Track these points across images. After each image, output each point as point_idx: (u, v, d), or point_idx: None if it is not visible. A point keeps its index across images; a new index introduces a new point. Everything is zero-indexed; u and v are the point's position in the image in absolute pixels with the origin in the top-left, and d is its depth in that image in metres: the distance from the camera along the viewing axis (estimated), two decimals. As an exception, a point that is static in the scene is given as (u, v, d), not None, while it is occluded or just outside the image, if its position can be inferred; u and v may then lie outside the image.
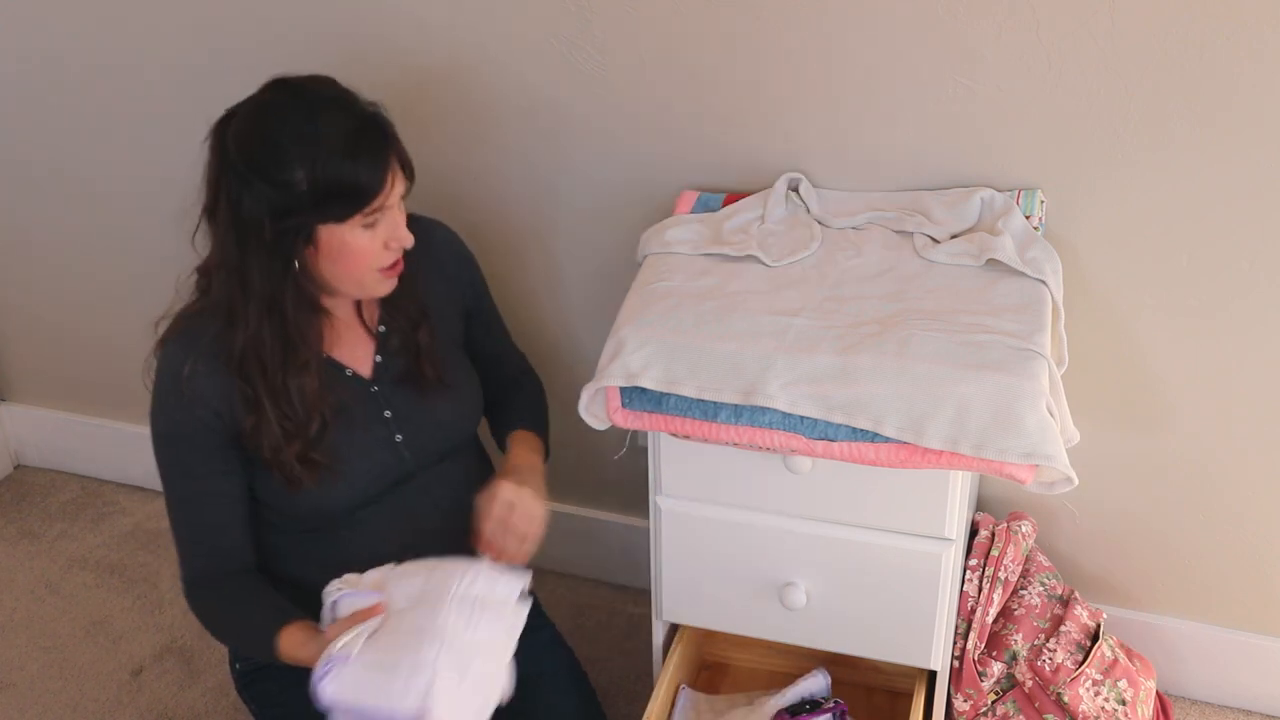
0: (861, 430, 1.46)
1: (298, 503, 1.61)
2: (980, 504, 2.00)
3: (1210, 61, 1.59)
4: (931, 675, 1.74)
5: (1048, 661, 1.74)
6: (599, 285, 2.05)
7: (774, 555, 1.65)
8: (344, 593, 1.49)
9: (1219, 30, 1.57)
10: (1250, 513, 1.90)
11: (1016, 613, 1.80)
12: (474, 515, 1.65)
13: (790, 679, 1.82)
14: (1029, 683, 1.75)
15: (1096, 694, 1.73)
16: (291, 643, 1.53)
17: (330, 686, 1.39)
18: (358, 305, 1.65)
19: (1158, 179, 1.69)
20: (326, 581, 1.62)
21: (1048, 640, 1.77)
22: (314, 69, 1.51)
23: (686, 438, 1.54)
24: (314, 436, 1.57)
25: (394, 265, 1.56)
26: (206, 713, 2.14)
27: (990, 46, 1.66)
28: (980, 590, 1.78)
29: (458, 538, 1.67)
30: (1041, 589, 1.84)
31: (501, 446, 1.79)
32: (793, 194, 1.82)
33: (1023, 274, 1.62)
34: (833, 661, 1.84)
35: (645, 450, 1.67)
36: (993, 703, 1.77)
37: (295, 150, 1.44)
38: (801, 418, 1.47)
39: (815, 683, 1.79)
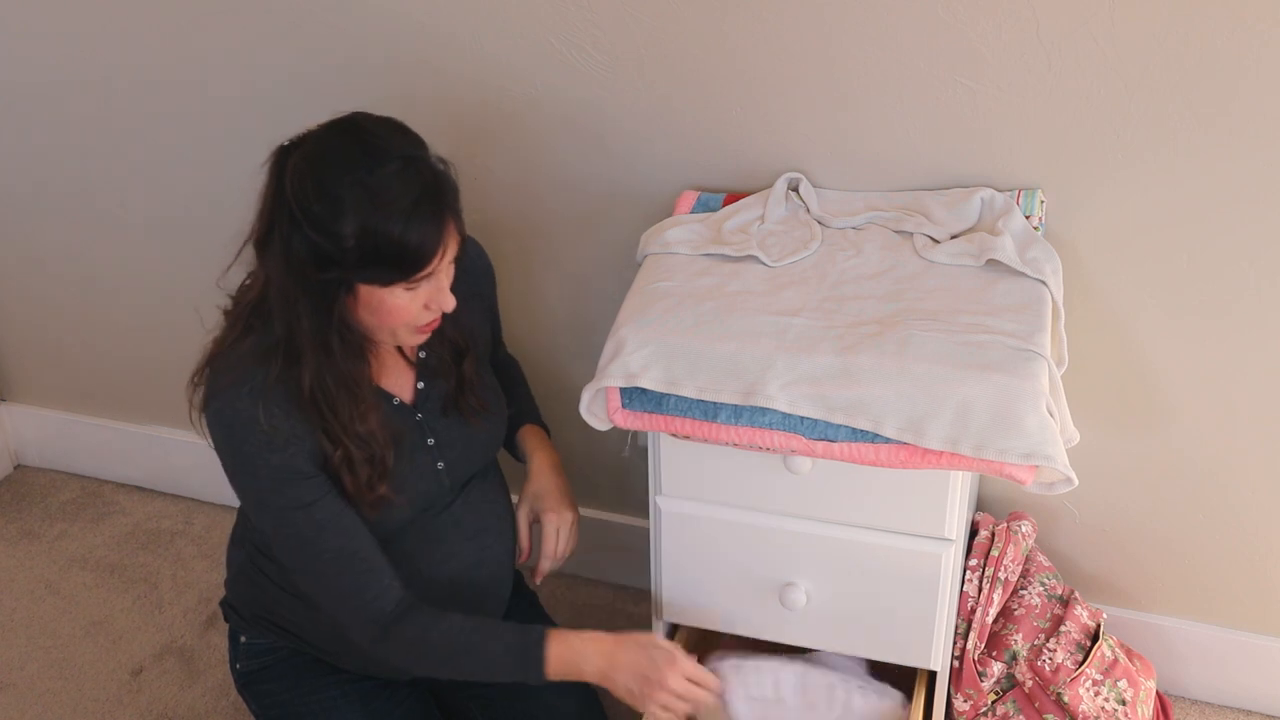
0: (861, 431, 1.46)
1: None
2: (980, 504, 2.00)
3: (1210, 61, 1.59)
4: (931, 675, 1.74)
5: (1048, 661, 1.74)
6: (599, 285, 2.05)
7: (774, 555, 1.65)
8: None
9: (1219, 30, 1.57)
10: (1250, 513, 1.90)
11: (1016, 613, 1.80)
12: (511, 531, 1.74)
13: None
14: (1029, 683, 1.75)
15: (1096, 694, 1.73)
16: (573, 650, 1.52)
17: None
18: None
19: (1158, 179, 1.69)
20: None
21: (1048, 640, 1.77)
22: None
23: (686, 438, 1.54)
24: (379, 461, 1.52)
25: (430, 324, 1.51)
26: (206, 713, 2.14)
27: (990, 46, 1.66)
28: (980, 590, 1.78)
29: (474, 554, 1.67)
30: (1041, 589, 1.84)
31: (508, 439, 1.80)
32: (793, 194, 1.82)
33: (1023, 274, 1.62)
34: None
35: (645, 450, 1.68)
36: (993, 703, 1.77)
37: (350, 204, 1.36)
38: (801, 418, 1.47)
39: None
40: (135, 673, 2.22)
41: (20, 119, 2.28)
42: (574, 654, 1.51)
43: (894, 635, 1.66)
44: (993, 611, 1.78)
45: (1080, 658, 1.75)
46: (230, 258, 1.51)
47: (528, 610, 1.86)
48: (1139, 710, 1.76)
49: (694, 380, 1.50)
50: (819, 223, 1.77)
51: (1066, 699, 1.72)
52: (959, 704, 1.77)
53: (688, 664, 1.51)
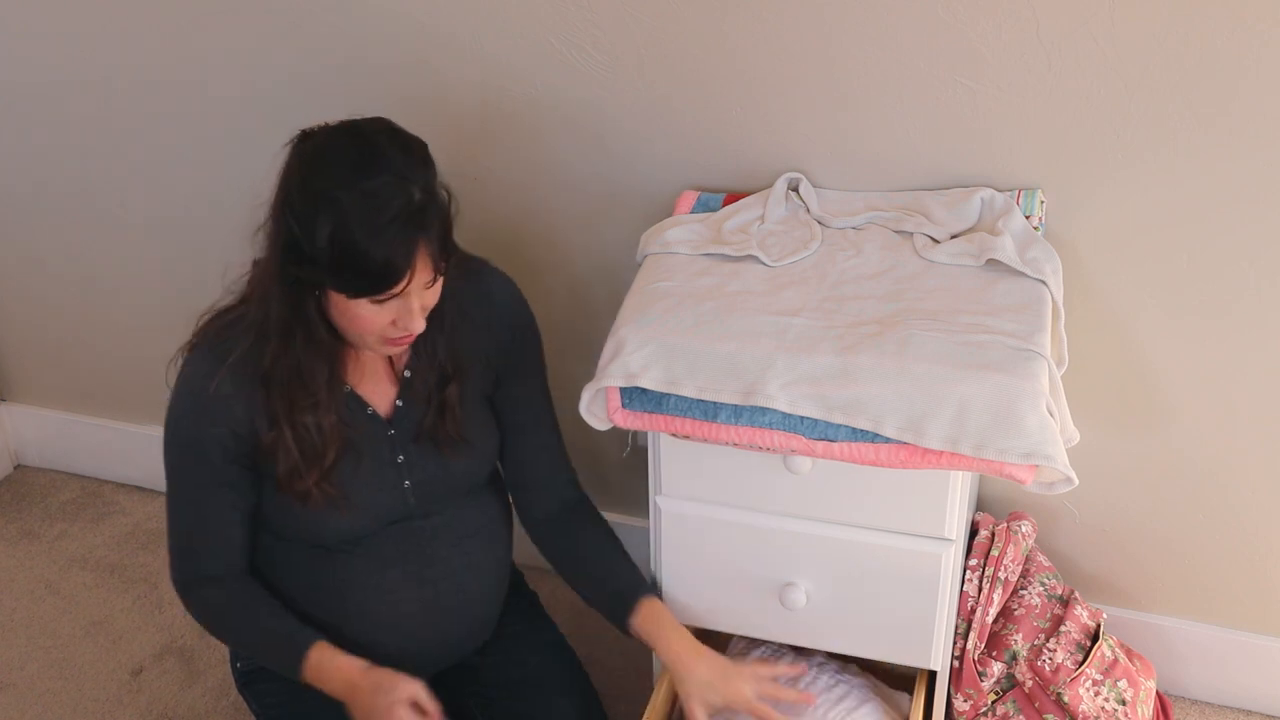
0: (861, 430, 1.46)
1: (301, 524, 1.59)
2: (980, 504, 2.00)
3: (1210, 61, 1.59)
4: (931, 675, 1.74)
5: (1048, 661, 1.74)
6: (599, 285, 2.05)
7: (774, 555, 1.65)
8: None
9: (1219, 30, 1.57)
10: (1250, 513, 1.90)
11: (1016, 613, 1.80)
12: (503, 538, 1.74)
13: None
14: (1029, 683, 1.75)
15: (1096, 694, 1.73)
16: (326, 668, 1.57)
17: None
18: None
19: (1158, 179, 1.69)
20: (319, 598, 1.64)
21: (1048, 640, 1.77)
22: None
23: (686, 438, 1.54)
24: (324, 462, 1.54)
25: (400, 339, 1.49)
26: (206, 713, 2.14)
27: (990, 46, 1.66)
28: (980, 590, 1.78)
29: (461, 559, 1.67)
30: (1041, 589, 1.84)
31: (615, 615, 1.67)
32: (793, 194, 1.82)
33: (1023, 274, 1.62)
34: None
35: (645, 450, 1.67)
36: (993, 703, 1.77)
37: (329, 209, 1.37)
38: (801, 418, 1.47)
39: None
40: (135, 673, 2.22)
41: (20, 119, 2.28)
42: (324, 672, 1.58)
43: (894, 635, 1.66)
44: (993, 611, 1.78)
45: (1080, 658, 1.75)
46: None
47: (528, 610, 1.86)
48: (1139, 710, 1.76)
49: (694, 380, 1.50)
50: (819, 223, 1.77)
51: (1066, 699, 1.72)
52: (959, 704, 1.77)
53: (405, 715, 1.52)
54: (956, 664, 1.76)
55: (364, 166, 1.38)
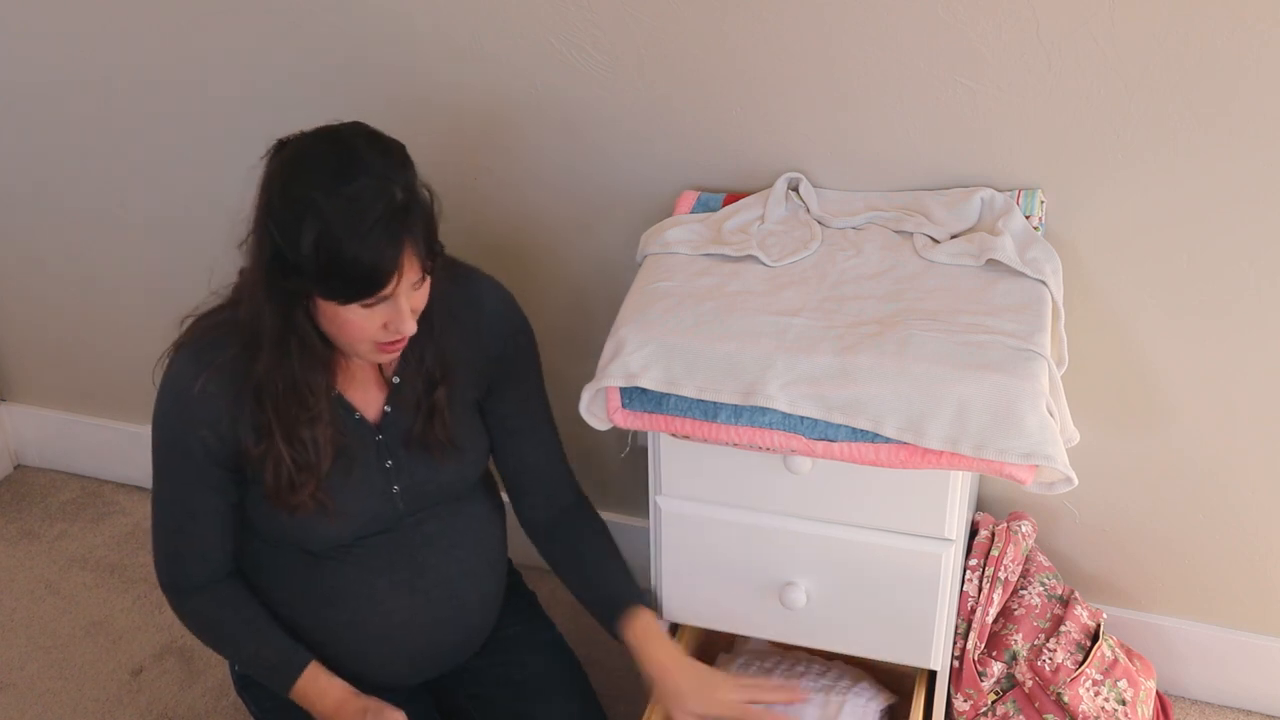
0: (861, 430, 1.46)
1: (288, 530, 1.58)
2: (980, 504, 2.00)
3: (1210, 61, 1.59)
4: (931, 675, 1.74)
5: (1048, 661, 1.74)
6: (599, 285, 2.05)
7: (774, 555, 1.65)
8: None
9: (1219, 30, 1.57)
10: (1250, 513, 1.90)
11: (1016, 613, 1.80)
12: (495, 543, 1.74)
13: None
14: (1029, 683, 1.75)
15: (1096, 694, 1.73)
16: (314, 689, 1.60)
17: None
18: None
19: (1158, 179, 1.69)
20: (307, 603, 1.64)
21: (1048, 640, 1.77)
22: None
23: (686, 438, 1.54)
24: (311, 466, 1.53)
25: (392, 344, 1.48)
26: (206, 713, 2.14)
27: (990, 46, 1.66)
28: (980, 590, 1.78)
29: (453, 566, 1.67)
30: (1041, 589, 1.84)
31: (604, 620, 1.68)
32: (793, 194, 1.82)
33: (1023, 274, 1.62)
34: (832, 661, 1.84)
35: (645, 450, 1.67)
36: (993, 703, 1.77)
37: (311, 215, 1.35)
38: (801, 418, 1.47)
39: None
40: (135, 673, 2.22)
41: (20, 119, 2.28)
42: (311, 696, 1.61)
43: (894, 635, 1.66)
44: (993, 611, 1.78)
45: (1080, 658, 1.75)
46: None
47: (527, 610, 1.86)
48: (1139, 710, 1.76)
49: (694, 380, 1.50)
50: (819, 223, 1.77)
51: (1066, 699, 1.72)
52: (959, 704, 1.77)
53: None
54: (956, 664, 1.76)
55: (343, 171, 1.37)
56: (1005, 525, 1.85)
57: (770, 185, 1.82)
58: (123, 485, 2.67)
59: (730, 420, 1.50)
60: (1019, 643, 1.76)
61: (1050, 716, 1.74)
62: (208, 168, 2.19)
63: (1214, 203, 1.68)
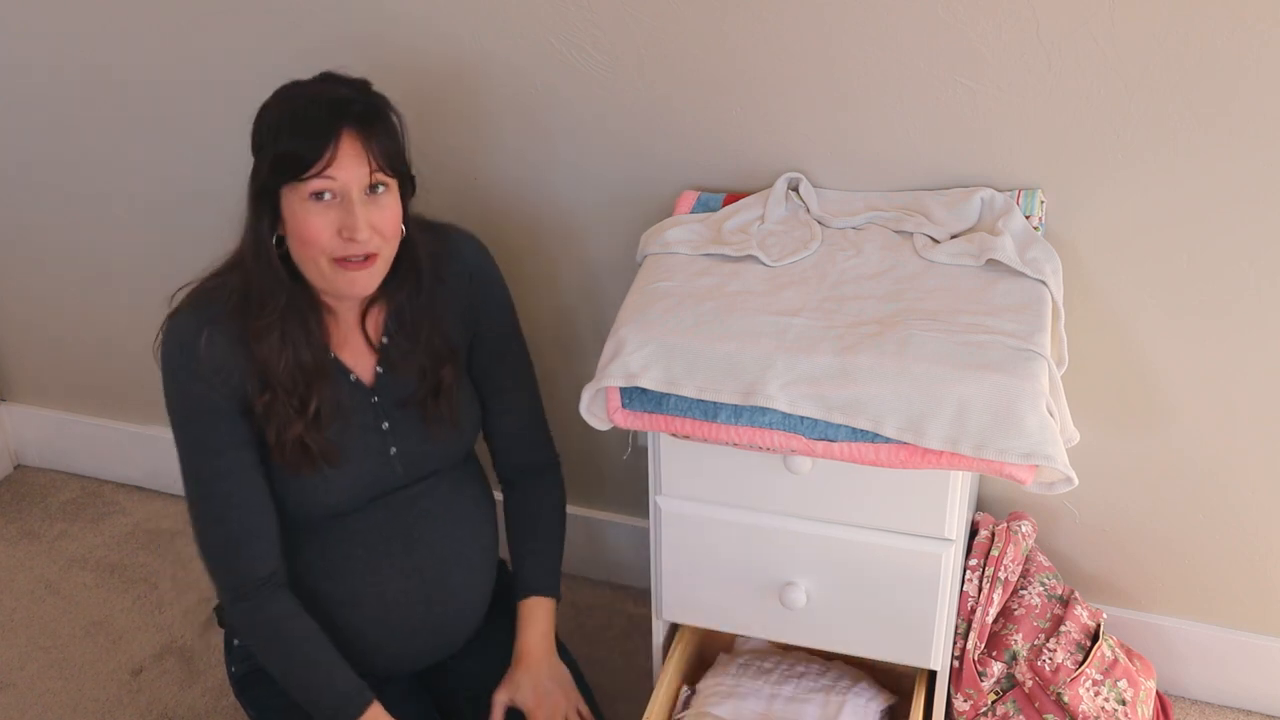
0: (861, 430, 1.46)
1: (290, 494, 1.60)
2: (980, 504, 2.00)
3: (1210, 61, 1.59)
4: (931, 675, 1.74)
5: (1048, 661, 1.74)
6: (599, 285, 2.05)
7: (774, 555, 1.65)
8: None
9: (1219, 30, 1.57)
10: (1250, 513, 1.90)
11: (1016, 613, 1.80)
12: (490, 517, 1.73)
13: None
14: (1029, 683, 1.75)
15: (1096, 694, 1.73)
16: None
17: None
18: (362, 315, 1.64)
19: (1158, 179, 1.69)
20: (310, 580, 1.64)
21: (1048, 640, 1.77)
22: (311, 71, 1.51)
23: (686, 438, 1.54)
24: (312, 419, 1.56)
25: (354, 261, 1.51)
26: (206, 713, 2.14)
27: (990, 46, 1.66)
28: (980, 590, 1.78)
29: (446, 546, 1.68)
30: (1041, 589, 1.84)
31: (514, 591, 1.75)
32: (793, 194, 1.82)
33: (1023, 274, 1.62)
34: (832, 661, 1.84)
35: (645, 450, 1.67)
36: (993, 703, 1.77)
37: (270, 123, 1.50)
38: (801, 418, 1.47)
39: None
40: (135, 673, 2.22)
41: (20, 119, 2.28)
42: None
43: (894, 635, 1.66)
44: (993, 611, 1.78)
45: (1080, 658, 1.75)
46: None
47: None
48: (1139, 710, 1.76)
49: (694, 380, 1.50)
50: (819, 223, 1.77)
51: (1066, 699, 1.72)
52: (959, 704, 1.77)
53: None
54: (956, 664, 1.76)
55: (299, 91, 1.53)
56: (1005, 525, 1.85)
57: (770, 185, 1.82)
58: (123, 485, 2.67)
59: (730, 420, 1.50)
60: (1019, 643, 1.76)
61: (1050, 716, 1.74)
62: (208, 168, 2.19)
63: (1214, 203, 1.68)
